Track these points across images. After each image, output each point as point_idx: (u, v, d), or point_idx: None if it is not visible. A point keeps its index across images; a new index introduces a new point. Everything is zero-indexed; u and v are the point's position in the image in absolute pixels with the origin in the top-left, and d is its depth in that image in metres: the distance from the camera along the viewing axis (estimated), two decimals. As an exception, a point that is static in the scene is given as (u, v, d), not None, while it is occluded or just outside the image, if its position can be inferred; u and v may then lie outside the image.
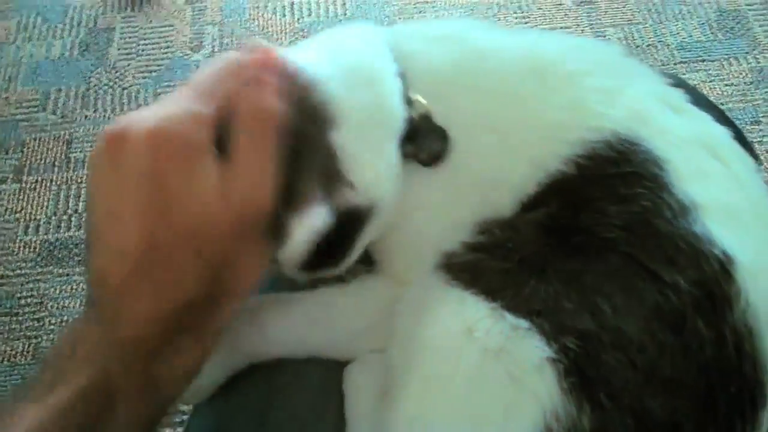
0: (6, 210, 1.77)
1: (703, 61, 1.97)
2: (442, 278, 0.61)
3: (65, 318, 1.60)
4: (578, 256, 0.58)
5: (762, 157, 1.75)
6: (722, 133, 0.65)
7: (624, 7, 2.11)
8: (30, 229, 1.73)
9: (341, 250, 0.65)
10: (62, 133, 1.90)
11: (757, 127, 1.83)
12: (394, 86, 0.64)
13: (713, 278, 0.55)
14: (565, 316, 0.56)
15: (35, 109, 1.95)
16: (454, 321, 0.59)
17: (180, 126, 0.52)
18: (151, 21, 2.14)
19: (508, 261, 0.60)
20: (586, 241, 0.58)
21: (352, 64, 0.64)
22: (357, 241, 0.65)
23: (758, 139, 1.79)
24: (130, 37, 2.10)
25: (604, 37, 2.03)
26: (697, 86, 1.88)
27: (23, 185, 1.81)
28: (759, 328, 0.56)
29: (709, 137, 0.64)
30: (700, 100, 0.72)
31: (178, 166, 0.51)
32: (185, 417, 0.81)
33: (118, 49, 2.08)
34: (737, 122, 1.75)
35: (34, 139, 1.89)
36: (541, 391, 0.55)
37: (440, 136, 0.64)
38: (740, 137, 0.80)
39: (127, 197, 0.51)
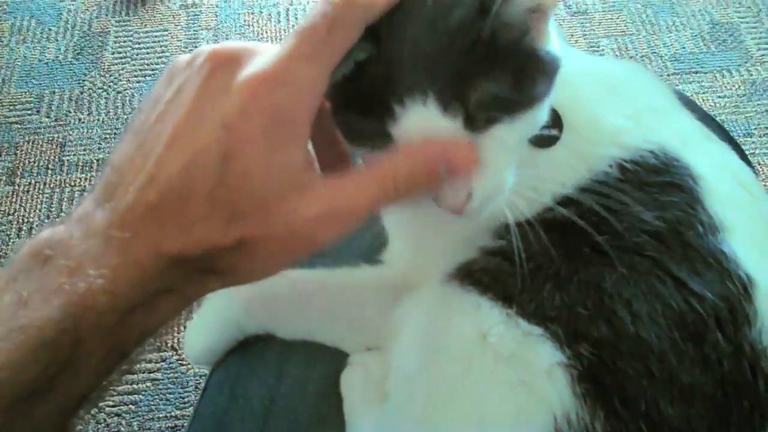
0: (-1, 212, 1.76)
1: (696, 72, 1.99)
2: (459, 283, 0.62)
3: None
4: (599, 260, 0.59)
5: (755, 170, 1.77)
6: (746, 167, 0.69)
7: (618, 18, 2.12)
8: (23, 232, 1.72)
9: None
10: (56, 136, 1.89)
11: (749, 139, 1.84)
12: None
13: (736, 296, 0.57)
14: (580, 323, 0.57)
15: (29, 112, 1.94)
16: (469, 326, 0.59)
17: (286, 91, 0.47)
18: (145, 25, 2.14)
19: (525, 266, 0.60)
20: (610, 242, 0.59)
21: None
22: None
23: (751, 152, 1.80)
24: (124, 41, 2.10)
25: (598, 47, 2.05)
26: (690, 98, 1.89)
27: (16, 188, 1.80)
28: None
29: (736, 168, 0.67)
30: (697, 112, 0.76)
31: (269, 128, 0.46)
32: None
33: (113, 53, 2.07)
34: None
35: (28, 142, 1.88)
36: (551, 395, 0.56)
37: (556, 120, 0.63)
38: (739, 150, 0.83)
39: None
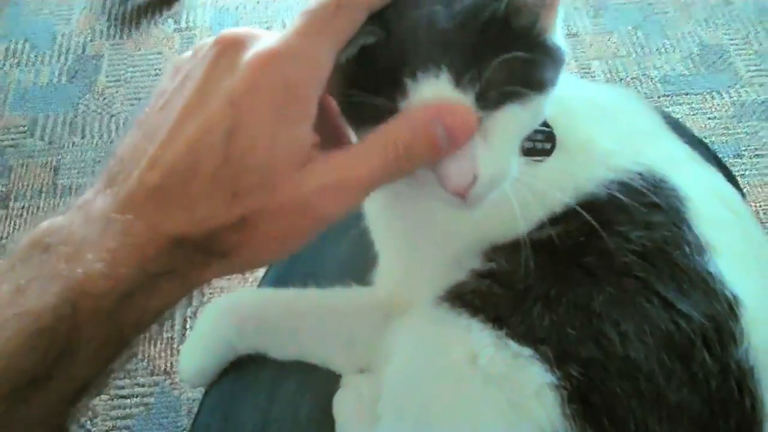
0: (-8, 236, 1.76)
1: (687, 94, 2.00)
2: (450, 305, 0.62)
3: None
4: (587, 280, 0.59)
5: (745, 191, 1.77)
6: (732, 188, 0.70)
7: (608, 41, 2.14)
8: (16, 256, 1.71)
9: None
10: (50, 159, 1.89)
11: (739, 160, 1.85)
12: None
13: (722, 315, 0.57)
14: (569, 343, 0.57)
15: (23, 135, 1.95)
16: (460, 348, 0.60)
17: (295, 66, 0.47)
18: (139, 48, 2.15)
19: (515, 288, 0.61)
20: (598, 262, 0.60)
21: None
22: None
23: (741, 173, 1.81)
24: (118, 65, 2.11)
25: (589, 70, 2.06)
26: (680, 119, 1.90)
27: (10, 211, 1.80)
28: (759, 370, 0.57)
29: (722, 189, 0.68)
30: (685, 135, 0.77)
31: (270, 103, 0.47)
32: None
33: (107, 76, 2.08)
34: (720, 155, 1.78)
35: (21, 165, 1.88)
36: (540, 416, 0.56)
37: (549, 135, 0.64)
38: (727, 172, 0.84)
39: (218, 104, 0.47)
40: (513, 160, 0.56)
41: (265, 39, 0.49)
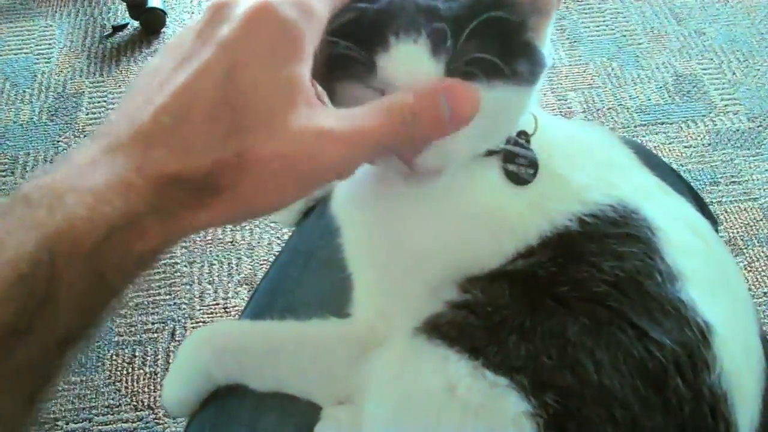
0: (-28, 275, 1.74)
1: (662, 123, 2.03)
2: (427, 337, 0.63)
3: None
4: (561, 310, 0.60)
5: (721, 218, 1.80)
6: (701, 217, 0.71)
7: (584, 72, 2.17)
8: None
9: None
10: (30, 197, 1.88)
11: (715, 188, 1.88)
12: None
13: (694, 342, 0.58)
14: (545, 372, 0.58)
15: (3, 174, 1.95)
16: (438, 379, 0.60)
17: (291, 9, 0.49)
18: (119, 86, 2.16)
19: (491, 319, 0.61)
20: (571, 292, 0.61)
21: None
22: None
23: (717, 200, 1.84)
24: (98, 102, 2.12)
25: (566, 101, 2.09)
26: (657, 148, 1.93)
27: (-10, 250, 1.78)
28: (731, 395, 0.58)
29: (692, 218, 0.70)
30: (658, 165, 0.78)
31: (269, 47, 0.48)
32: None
33: (87, 114, 2.09)
34: (696, 183, 1.80)
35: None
36: None
37: (530, 160, 0.66)
38: (699, 200, 0.85)
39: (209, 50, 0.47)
40: (468, 143, 0.59)
41: None
